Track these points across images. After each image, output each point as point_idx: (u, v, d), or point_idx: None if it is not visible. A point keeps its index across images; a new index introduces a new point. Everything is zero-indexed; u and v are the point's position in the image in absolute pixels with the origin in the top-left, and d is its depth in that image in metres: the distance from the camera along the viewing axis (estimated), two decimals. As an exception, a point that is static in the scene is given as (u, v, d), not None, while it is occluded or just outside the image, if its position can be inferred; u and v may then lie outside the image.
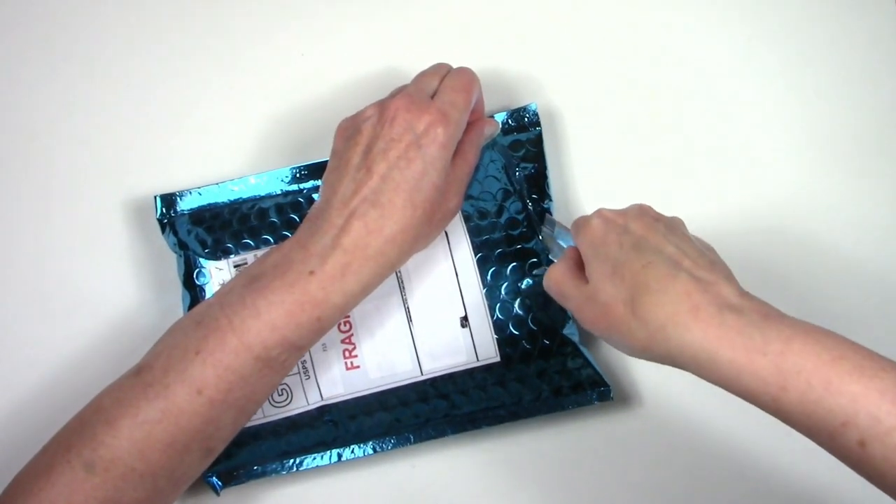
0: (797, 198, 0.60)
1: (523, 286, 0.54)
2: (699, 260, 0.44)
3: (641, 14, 0.62)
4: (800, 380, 0.39)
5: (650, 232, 0.46)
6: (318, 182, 0.56)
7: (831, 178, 0.60)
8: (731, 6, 0.62)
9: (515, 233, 0.55)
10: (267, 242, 0.55)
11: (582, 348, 0.55)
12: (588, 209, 0.56)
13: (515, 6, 0.61)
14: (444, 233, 0.55)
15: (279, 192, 0.57)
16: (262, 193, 0.57)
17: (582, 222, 0.49)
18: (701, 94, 0.61)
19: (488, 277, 0.54)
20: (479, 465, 0.56)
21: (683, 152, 0.60)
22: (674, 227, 0.47)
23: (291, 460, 0.54)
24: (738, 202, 0.59)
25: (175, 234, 0.56)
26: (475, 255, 0.54)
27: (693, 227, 0.50)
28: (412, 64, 0.54)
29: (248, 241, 0.55)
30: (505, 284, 0.54)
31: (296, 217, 0.56)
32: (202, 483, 0.53)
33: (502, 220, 0.55)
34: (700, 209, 0.57)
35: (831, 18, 0.62)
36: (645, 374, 0.56)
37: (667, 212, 0.49)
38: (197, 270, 0.55)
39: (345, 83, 0.61)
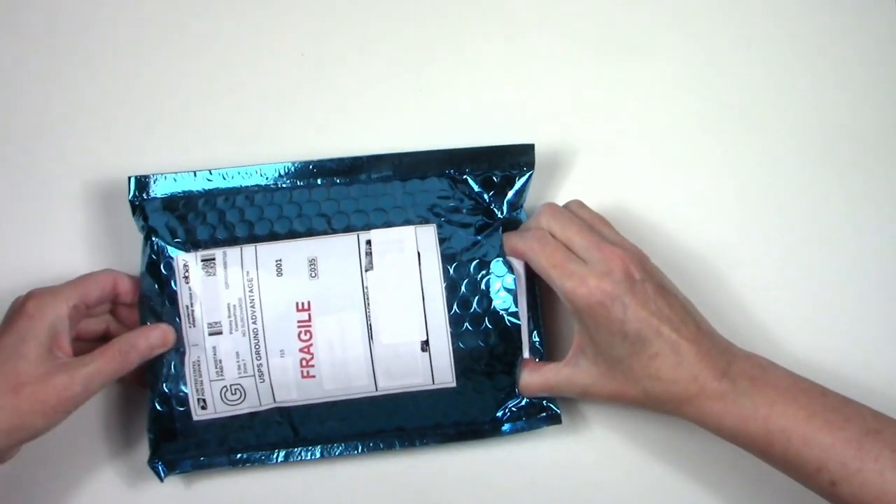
0: (797, 198, 0.60)
1: (488, 318, 0.55)
2: (688, 325, 0.50)
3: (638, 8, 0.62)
4: (783, 437, 0.48)
5: (646, 310, 0.50)
6: (300, 182, 0.56)
7: (832, 178, 0.61)
8: (731, 6, 0.62)
9: (489, 263, 0.55)
10: (237, 241, 0.55)
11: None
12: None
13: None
14: (416, 253, 0.55)
15: (255, 187, 0.56)
16: (239, 185, 0.56)
17: (573, 290, 0.50)
18: (701, 95, 0.61)
19: (455, 305, 0.54)
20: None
21: (682, 153, 0.61)
22: (660, 286, 0.51)
23: (238, 455, 0.55)
24: (739, 202, 0.60)
25: (145, 218, 0.55)
26: (445, 280, 0.54)
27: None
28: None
29: (218, 236, 0.55)
30: (471, 313, 0.54)
31: (270, 216, 0.55)
32: (147, 468, 0.54)
33: (476, 249, 0.55)
34: (700, 210, 0.59)
35: (831, 18, 0.63)
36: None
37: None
38: (164, 261, 0.54)
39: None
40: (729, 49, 0.62)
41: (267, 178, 0.56)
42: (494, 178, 0.57)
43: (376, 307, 0.54)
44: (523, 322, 0.55)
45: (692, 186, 0.60)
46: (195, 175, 0.56)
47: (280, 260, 0.54)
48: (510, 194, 0.57)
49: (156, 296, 0.54)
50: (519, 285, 0.55)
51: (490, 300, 0.54)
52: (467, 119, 0.61)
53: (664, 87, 0.62)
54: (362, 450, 0.55)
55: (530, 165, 0.57)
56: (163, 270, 0.54)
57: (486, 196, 0.57)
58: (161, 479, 0.54)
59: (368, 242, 0.55)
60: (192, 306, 0.54)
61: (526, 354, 0.55)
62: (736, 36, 0.62)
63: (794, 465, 0.48)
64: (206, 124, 0.60)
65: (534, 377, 0.54)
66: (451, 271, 0.55)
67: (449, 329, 0.54)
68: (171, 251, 0.55)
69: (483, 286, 0.55)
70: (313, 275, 0.54)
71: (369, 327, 0.54)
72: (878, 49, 0.62)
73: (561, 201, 0.57)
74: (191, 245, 0.55)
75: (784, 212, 0.60)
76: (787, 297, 0.59)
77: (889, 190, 0.61)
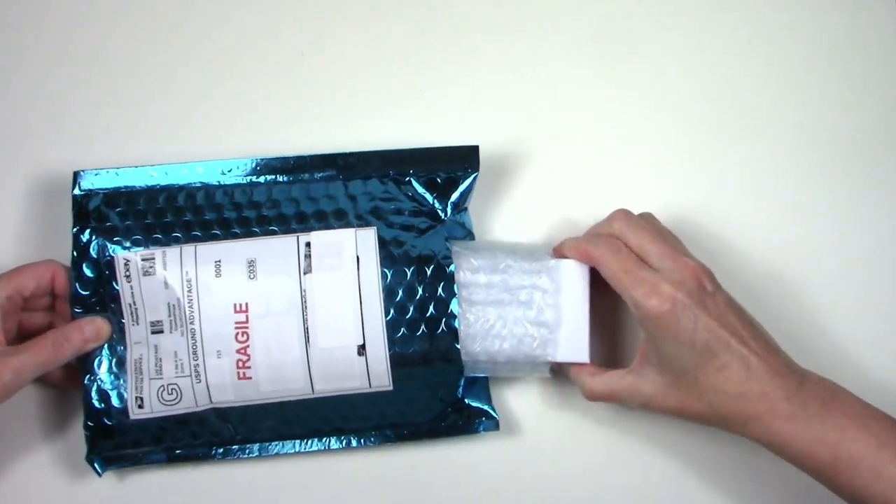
0: (797, 198, 0.60)
1: (425, 323, 0.54)
2: (758, 340, 0.49)
3: (639, 8, 0.62)
4: (851, 465, 0.47)
5: (717, 322, 0.49)
6: (242, 179, 0.55)
7: (831, 179, 0.61)
8: (731, 6, 0.62)
9: (429, 268, 0.55)
10: (177, 240, 0.55)
11: (474, 387, 0.56)
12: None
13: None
14: (355, 256, 0.54)
15: (197, 185, 0.56)
16: (181, 183, 0.56)
17: (645, 298, 0.50)
18: (700, 96, 0.61)
19: (392, 310, 0.54)
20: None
21: (680, 153, 0.61)
22: (731, 300, 0.51)
23: (177, 451, 0.55)
24: (738, 203, 0.60)
25: (86, 214, 0.55)
26: (383, 285, 0.54)
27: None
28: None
29: (159, 234, 0.55)
30: (408, 318, 0.54)
31: (211, 216, 0.55)
32: (85, 463, 0.55)
33: (417, 252, 0.55)
34: (699, 211, 0.59)
35: (832, 18, 0.62)
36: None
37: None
38: (105, 259, 0.54)
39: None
40: (728, 49, 0.62)
41: (209, 176, 0.56)
42: (438, 180, 0.56)
43: (314, 311, 0.54)
44: (584, 327, 0.54)
45: (690, 186, 0.60)
46: (137, 170, 0.56)
47: (219, 260, 0.54)
48: (454, 196, 0.56)
49: (92, 292, 0.54)
50: (582, 289, 0.54)
51: (428, 305, 0.54)
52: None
53: (662, 86, 0.61)
54: (300, 449, 0.55)
55: (475, 167, 0.56)
56: (103, 267, 0.54)
57: (429, 198, 0.56)
58: (99, 475, 0.54)
59: (308, 245, 0.54)
60: (134, 304, 0.54)
61: (587, 359, 0.55)
62: (736, 35, 0.62)
63: (860, 497, 0.47)
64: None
65: (597, 383, 0.53)
66: (390, 276, 0.54)
67: (386, 334, 0.54)
68: (112, 249, 0.54)
69: (422, 290, 0.54)
70: (252, 276, 0.54)
71: (306, 331, 0.54)
72: (879, 48, 0.62)
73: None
74: (131, 243, 0.54)
75: (784, 212, 0.60)
76: (788, 296, 0.59)
77: (890, 190, 0.61)
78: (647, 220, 0.54)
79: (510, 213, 0.60)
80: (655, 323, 0.50)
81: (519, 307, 0.55)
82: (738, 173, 0.61)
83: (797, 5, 0.62)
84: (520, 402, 0.58)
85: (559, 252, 0.55)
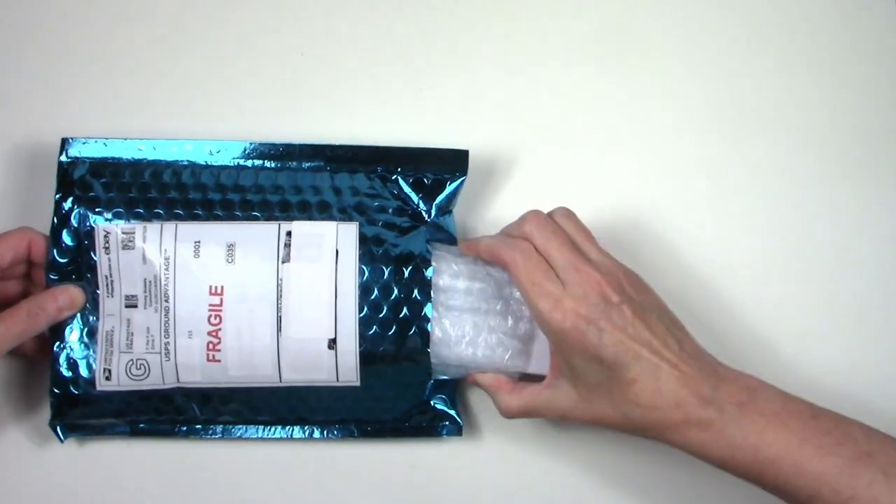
0: (797, 199, 0.61)
1: (398, 323, 0.54)
2: (670, 347, 0.49)
3: (638, 8, 0.62)
4: (773, 466, 0.47)
5: (623, 334, 0.48)
6: (229, 162, 0.55)
7: (831, 178, 0.61)
8: (731, 6, 0.62)
9: (407, 268, 0.55)
10: (159, 216, 0.55)
11: (442, 390, 0.56)
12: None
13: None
14: (335, 250, 0.54)
15: (184, 162, 0.56)
16: (168, 159, 0.56)
17: (548, 312, 0.49)
18: (698, 97, 0.61)
19: (366, 307, 0.54)
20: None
21: (680, 155, 0.61)
22: (639, 308, 0.49)
23: (140, 425, 0.55)
24: (738, 203, 0.60)
25: (70, 182, 0.55)
26: (360, 281, 0.54)
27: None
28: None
29: (141, 209, 0.55)
30: (382, 316, 0.54)
31: (195, 196, 0.55)
32: (48, 428, 0.55)
33: (396, 252, 0.55)
34: (699, 212, 0.60)
35: (832, 18, 0.63)
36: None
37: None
38: (84, 229, 0.54)
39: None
40: (728, 49, 0.62)
41: (197, 155, 0.56)
42: (425, 181, 0.56)
43: (288, 300, 0.54)
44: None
45: (688, 187, 0.61)
46: (125, 143, 0.55)
47: (199, 241, 0.54)
48: (440, 198, 0.56)
49: (70, 260, 0.54)
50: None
51: (402, 306, 0.54)
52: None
53: (661, 86, 0.62)
54: (263, 435, 0.56)
55: (463, 171, 0.56)
56: (82, 237, 0.54)
57: (414, 198, 0.56)
58: (61, 441, 0.55)
59: (289, 234, 0.54)
60: (110, 276, 0.54)
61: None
62: (735, 35, 0.62)
63: (787, 492, 0.47)
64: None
65: (514, 399, 0.53)
66: (368, 272, 0.54)
67: (358, 330, 0.54)
68: (93, 219, 0.54)
69: (397, 291, 0.54)
70: (230, 260, 0.54)
71: (279, 319, 0.54)
72: (879, 48, 0.62)
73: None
74: (113, 215, 0.54)
75: (785, 213, 0.60)
76: (787, 296, 0.60)
77: (890, 190, 0.61)
78: (559, 221, 0.53)
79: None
80: (561, 338, 0.49)
81: (495, 317, 0.55)
82: (737, 174, 0.61)
83: (797, 5, 0.62)
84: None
85: (472, 249, 0.55)
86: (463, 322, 0.54)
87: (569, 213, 0.54)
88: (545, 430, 0.57)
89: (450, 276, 0.55)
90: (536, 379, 0.54)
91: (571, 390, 0.51)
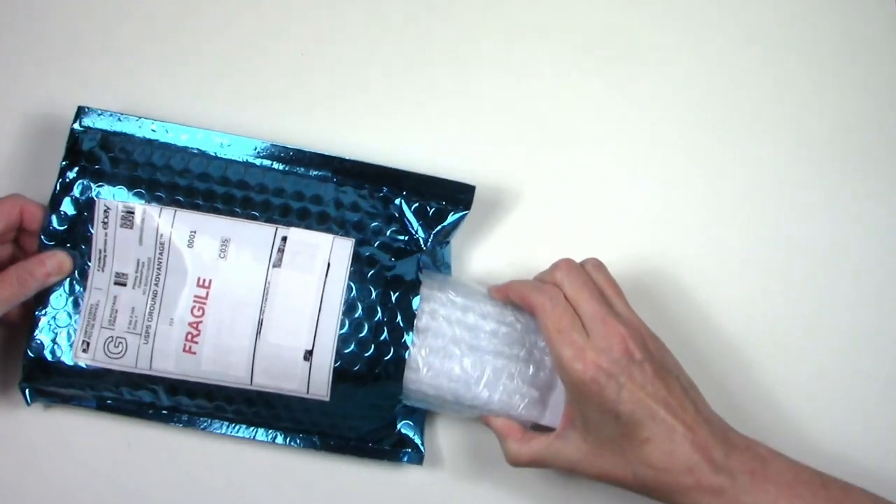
0: (797, 199, 0.61)
1: (376, 345, 0.54)
2: (687, 409, 0.48)
3: (636, 10, 0.63)
4: None
5: (642, 392, 0.48)
6: (238, 157, 0.56)
7: (831, 178, 0.61)
8: (731, 6, 0.63)
9: (395, 293, 0.55)
10: (160, 200, 0.55)
11: (410, 416, 0.56)
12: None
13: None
14: (327, 263, 0.54)
15: (194, 150, 0.56)
16: (178, 144, 0.56)
17: (570, 361, 0.49)
18: (700, 97, 0.62)
19: (348, 324, 0.54)
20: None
21: (681, 153, 0.61)
22: (660, 367, 0.49)
23: (107, 402, 0.55)
24: (738, 203, 0.61)
25: (78, 150, 0.55)
26: (346, 297, 0.54)
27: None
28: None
29: (144, 189, 0.55)
30: (361, 336, 0.54)
31: (199, 186, 0.55)
32: (17, 389, 0.55)
33: (387, 275, 0.55)
34: (698, 213, 0.60)
35: (831, 18, 0.63)
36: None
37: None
38: (85, 200, 0.54)
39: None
40: (728, 49, 0.63)
41: (208, 145, 0.56)
42: (428, 209, 0.56)
43: (272, 305, 0.54)
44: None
45: (688, 187, 0.61)
46: (139, 121, 0.56)
47: (195, 231, 0.54)
48: (439, 228, 0.56)
49: (67, 228, 0.55)
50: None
51: (383, 329, 0.54)
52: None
53: (661, 89, 0.62)
54: (227, 431, 0.56)
55: (467, 205, 0.56)
56: (83, 207, 0.54)
57: (415, 224, 0.56)
58: (27, 403, 0.55)
59: (284, 239, 0.54)
60: (104, 251, 0.55)
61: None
62: (735, 35, 0.63)
63: None
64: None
65: (523, 449, 0.52)
66: (355, 290, 0.54)
67: (336, 346, 0.54)
68: (95, 192, 0.55)
69: (381, 313, 0.54)
70: (222, 255, 0.54)
71: (260, 322, 0.54)
72: (879, 48, 0.62)
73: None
74: (115, 191, 0.55)
75: (784, 212, 0.61)
76: (787, 296, 0.60)
77: (890, 190, 0.61)
78: (589, 273, 0.53)
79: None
80: (580, 388, 0.49)
81: (517, 363, 0.54)
82: (735, 175, 0.61)
83: (797, 6, 0.63)
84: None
85: (501, 293, 0.55)
86: (484, 364, 0.54)
87: (600, 265, 0.54)
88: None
89: (479, 316, 0.55)
90: (547, 430, 0.54)
91: (582, 443, 0.50)
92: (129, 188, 0.55)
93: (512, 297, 0.54)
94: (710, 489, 0.47)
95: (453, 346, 0.54)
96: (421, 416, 0.56)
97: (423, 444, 0.56)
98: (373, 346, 0.54)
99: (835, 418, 0.58)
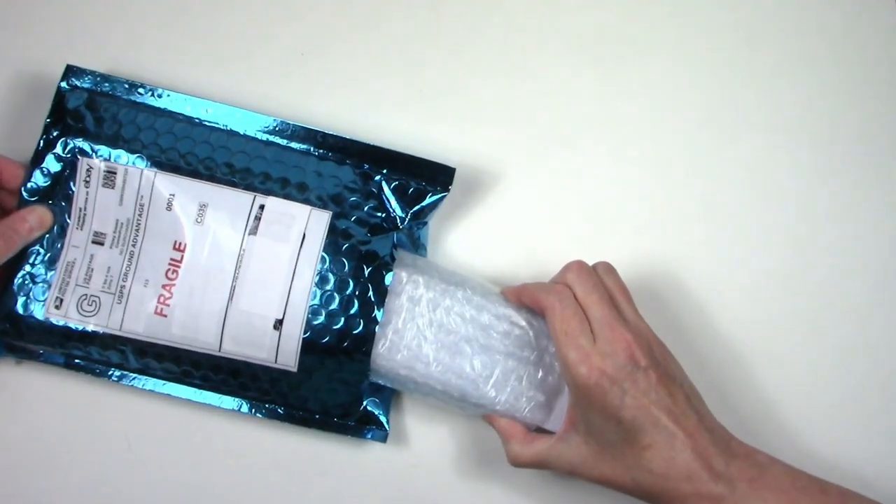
0: (797, 199, 0.61)
1: (346, 318, 0.54)
2: (689, 417, 0.48)
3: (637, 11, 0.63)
4: None
5: (645, 398, 0.48)
6: (222, 124, 0.56)
7: (831, 178, 0.61)
8: (730, 4, 0.63)
9: (369, 268, 0.55)
10: (141, 162, 0.55)
11: (378, 394, 0.56)
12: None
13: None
14: (302, 234, 0.54)
15: (179, 115, 0.56)
16: (164, 108, 0.56)
17: (575, 365, 0.49)
18: (701, 96, 0.62)
19: (321, 297, 0.54)
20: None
21: (683, 152, 0.61)
22: (664, 374, 0.49)
23: (75, 361, 0.55)
24: (737, 204, 0.61)
25: (64, 109, 0.55)
26: (319, 269, 0.54)
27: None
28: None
29: (127, 149, 0.55)
30: (332, 308, 0.54)
31: (181, 149, 0.55)
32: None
33: (362, 249, 0.55)
34: (697, 214, 0.60)
35: (831, 18, 0.63)
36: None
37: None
38: (68, 157, 0.55)
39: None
40: (727, 48, 0.63)
41: (193, 110, 0.56)
42: (408, 188, 0.56)
43: (245, 271, 0.54)
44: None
45: (688, 185, 0.61)
46: (126, 83, 0.56)
47: (174, 194, 0.55)
48: (417, 208, 0.56)
49: (49, 185, 0.55)
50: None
51: (355, 302, 0.54)
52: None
53: (660, 87, 0.62)
54: (193, 397, 0.56)
55: (446, 187, 0.56)
56: (66, 165, 0.55)
57: (393, 202, 0.56)
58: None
59: (262, 207, 0.55)
60: (84, 209, 0.55)
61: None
62: (735, 35, 0.63)
63: None
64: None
65: (525, 450, 0.53)
66: (329, 263, 0.54)
67: (306, 317, 0.54)
68: (79, 150, 0.55)
69: (352, 287, 0.54)
70: (199, 220, 0.54)
71: (233, 288, 0.54)
72: (880, 48, 0.63)
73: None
74: (98, 151, 0.55)
75: (784, 212, 0.61)
76: (787, 295, 0.60)
77: (890, 190, 0.61)
78: (601, 274, 0.53)
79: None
80: (583, 392, 0.49)
81: (526, 366, 0.54)
82: (735, 176, 0.61)
83: (797, 5, 0.63)
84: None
85: (515, 295, 0.55)
86: (495, 364, 0.54)
87: (611, 269, 0.54)
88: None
89: (493, 317, 0.55)
90: (549, 432, 0.54)
91: (583, 446, 0.50)
92: (113, 148, 0.55)
93: (524, 300, 0.54)
94: (709, 497, 0.47)
95: (465, 343, 0.54)
96: (388, 395, 0.56)
97: (388, 423, 0.56)
98: (343, 319, 0.54)
99: (837, 426, 0.58)
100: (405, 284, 0.54)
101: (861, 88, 0.62)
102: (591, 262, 0.54)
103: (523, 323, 0.55)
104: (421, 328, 0.54)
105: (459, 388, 0.54)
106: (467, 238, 0.59)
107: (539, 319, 0.55)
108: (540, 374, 0.54)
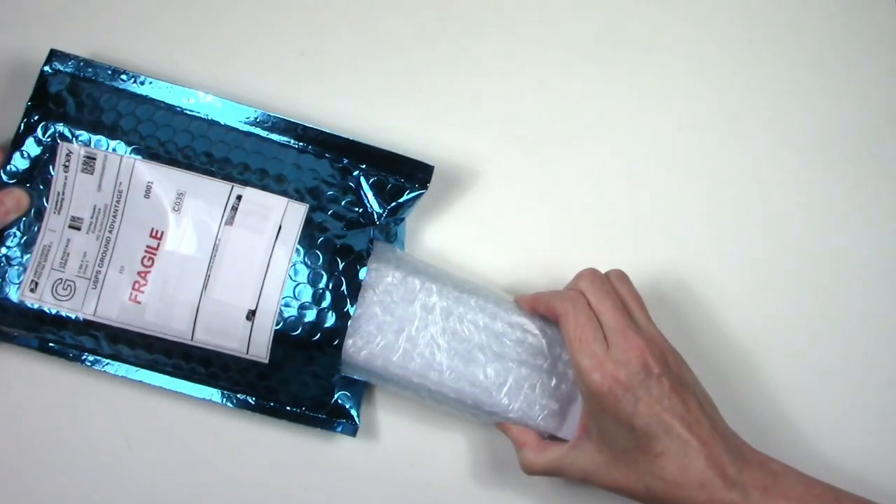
0: (805, 201, 0.61)
1: (319, 312, 0.54)
2: (703, 424, 0.48)
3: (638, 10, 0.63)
4: None
5: (659, 406, 0.48)
6: (203, 114, 0.56)
7: (831, 179, 0.61)
8: (731, 6, 0.63)
9: (343, 262, 0.55)
10: (121, 149, 0.55)
11: (349, 387, 0.56)
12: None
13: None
14: (278, 225, 0.54)
15: (160, 103, 0.56)
16: (146, 95, 0.56)
17: (588, 371, 0.49)
18: (701, 96, 0.62)
19: (294, 289, 0.54)
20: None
21: (685, 154, 0.62)
22: (678, 382, 0.49)
23: (49, 344, 0.56)
24: (738, 203, 0.61)
25: (45, 94, 0.55)
26: (294, 262, 0.54)
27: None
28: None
29: (107, 135, 0.55)
30: (304, 301, 0.54)
31: (161, 136, 0.55)
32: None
33: (337, 243, 0.55)
34: (698, 214, 0.60)
35: (831, 18, 0.64)
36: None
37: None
38: (48, 142, 0.55)
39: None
40: (729, 48, 0.63)
41: (174, 98, 0.56)
42: (386, 184, 0.56)
43: (220, 261, 0.54)
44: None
45: (690, 183, 0.61)
46: (109, 69, 0.56)
47: (152, 182, 0.55)
48: (394, 204, 0.56)
49: (29, 168, 0.55)
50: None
51: (327, 295, 0.54)
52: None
53: (661, 86, 0.62)
54: (164, 385, 0.56)
55: (424, 184, 0.56)
56: (46, 149, 0.55)
57: (371, 197, 0.56)
58: (-28, 334, 0.56)
59: (239, 198, 0.55)
60: (62, 194, 0.55)
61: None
62: (736, 35, 0.63)
63: None
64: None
65: (538, 458, 0.53)
66: (304, 256, 0.54)
67: (279, 309, 0.54)
68: (59, 135, 0.55)
69: (325, 280, 0.54)
70: (177, 208, 0.55)
71: (207, 278, 0.54)
72: (880, 48, 0.63)
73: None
74: (78, 136, 0.55)
75: (784, 212, 0.61)
76: (786, 296, 0.60)
77: (890, 190, 0.61)
78: (614, 281, 0.53)
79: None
80: (597, 399, 0.49)
81: (540, 374, 0.54)
82: (734, 175, 0.61)
83: (797, 5, 0.63)
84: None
85: (529, 303, 0.55)
86: (508, 371, 0.54)
87: (623, 276, 0.54)
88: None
89: (507, 325, 0.55)
90: (561, 439, 0.54)
91: (596, 454, 0.50)
92: (93, 133, 0.55)
93: (538, 308, 0.54)
94: None
95: (479, 351, 0.54)
96: (360, 389, 0.56)
97: (358, 417, 0.56)
98: (315, 312, 0.54)
99: (850, 431, 0.58)
100: (419, 292, 0.54)
101: (865, 88, 0.62)
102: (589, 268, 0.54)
103: (536, 331, 0.55)
104: (434, 336, 0.54)
105: (473, 395, 0.54)
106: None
107: (552, 328, 0.55)
108: (553, 382, 0.54)
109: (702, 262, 0.60)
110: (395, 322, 0.54)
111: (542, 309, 0.54)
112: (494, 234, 0.60)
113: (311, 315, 0.54)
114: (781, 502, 0.47)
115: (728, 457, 0.48)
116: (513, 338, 0.54)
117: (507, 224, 0.60)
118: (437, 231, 0.59)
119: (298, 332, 0.54)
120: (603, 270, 0.54)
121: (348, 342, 0.54)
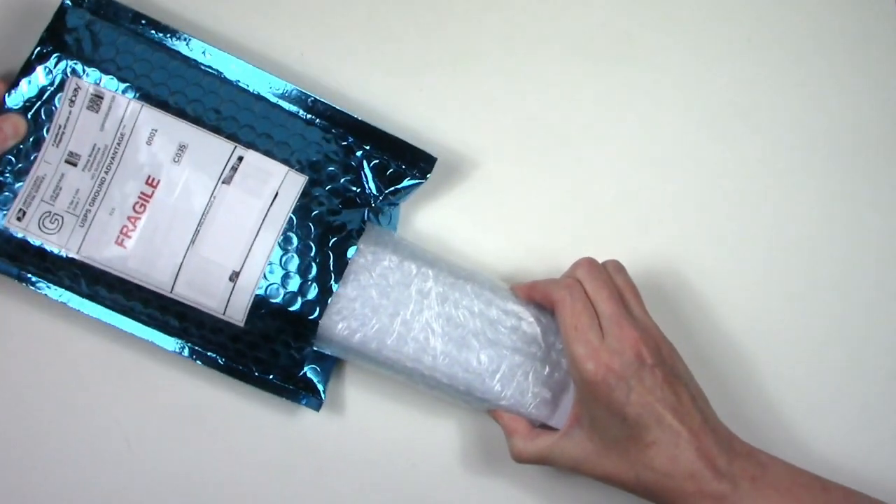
0: (802, 197, 0.61)
1: (301, 283, 0.54)
2: (694, 416, 0.49)
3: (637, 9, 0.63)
4: None
5: (651, 396, 0.49)
6: (217, 70, 0.56)
7: (837, 177, 0.62)
8: (731, 6, 0.63)
9: (334, 237, 0.55)
10: (130, 92, 0.55)
11: (319, 362, 0.56)
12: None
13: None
14: (275, 192, 0.54)
15: (176, 52, 0.56)
16: (163, 43, 0.56)
17: (582, 360, 0.50)
18: (701, 92, 0.62)
19: (281, 259, 0.54)
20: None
21: (685, 151, 0.62)
22: (671, 373, 0.50)
23: (28, 275, 0.55)
24: (735, 197, 0.61)
25: (62, 26, 0.55)
26: (284, 230, 0.54)
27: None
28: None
29: (117, 75, 0.55)
30: (289, 269, 0.54)
31: (172, 86, 0.55)
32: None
33: (331, 219, 0.55)
34: (697, 213, 0.60)
35: (831, 18, 0.64)
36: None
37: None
38: (59, 74, 0.55)
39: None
40: (729, 47, 0.63)
41: (191, 50, 0.56)
42: (387, 168, 0.56)
43: (212, 219, 0.54)
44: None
45: (688, 182, 0.61)
46: (132, 12, 0.56)
47: (156, 130, 0.55)
48: (391, 189, 0.56)
49: (35, 95, 0.55)
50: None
51: (313, 267, 0.54)
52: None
53: (659, 89, 0.62)
54: (137, 333, 0.55)
55: (424, 174, 0.56)
56: (53, 80, 0.55)
57: (370, 179, 0.56)
58: (-47, 260, 0.55)
59: (240, 159, 0.55)
60: (64, 128, 0.55)
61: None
62: (736, 35, 0.63)
63: None
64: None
65: (529, 446, 0.53)
66: (296, 226, 0.54)
67: (262, 275, 0.54)
68: (70, 68, 0.55)
69: (314, 253, 0.54)
70: (176, 160, 0.54)
71: (196, 233, 0.54)
72: (880, 48, 0.63)
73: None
74: (89, 73, 0.55)
75: (783, 212, 0.61)
76: (786, 296, 0.60)
77: (889, 190, 0.62)
78: (611, 271, 0.54)
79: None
80: (589, 388, 0.50)
81: (533, 361, 0.55)
82: (733, 170, 0.62)
83: (797, 5, 0.64)
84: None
85: (525, 292, 0.55)
86: (501, 359, 0.54)
87: (620, 267, 0.54)
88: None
89: (502, 312, 0.55)
90: (553, 428, 0.54)
91: (587, 442, 0.51)
92: (104, 73, 0.55)
93: (535, 296, 0.54)
94: (712, 495, 0.48)
95: (473, 337, 0.54)
96: (330, 364, 0.57)
97: (324, 392, 0.56)
98: (298, 283, 0.54)
99: (842, 425, 0.59)
100: (415, 277, 0.54)
101: (864, 88, 0.63)
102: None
103: (531, 319, 0.55)
104: (429, 321, 0.54)
105: (465, 381, 0.54)
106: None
107: (547, 316, 0.55)
108: (546, 370, 0.54)
109: (698, 254, 0.60)
110: (390, 305, 0.54)
111: (538, 297, 0.54)
112: (491, 222, 0.60)
113: (293, 285, 0.54)
114: (770, 492, 0.48)
115: (718, 448, 0.48)
116: (507, 325, 0.55)
117: (504, 213, 0.60)
118: (433, 218, 0.59)
119: (278, 300, 0.54)
120: (600, 261, 0.54)
121: (342, 324, 0.54)
